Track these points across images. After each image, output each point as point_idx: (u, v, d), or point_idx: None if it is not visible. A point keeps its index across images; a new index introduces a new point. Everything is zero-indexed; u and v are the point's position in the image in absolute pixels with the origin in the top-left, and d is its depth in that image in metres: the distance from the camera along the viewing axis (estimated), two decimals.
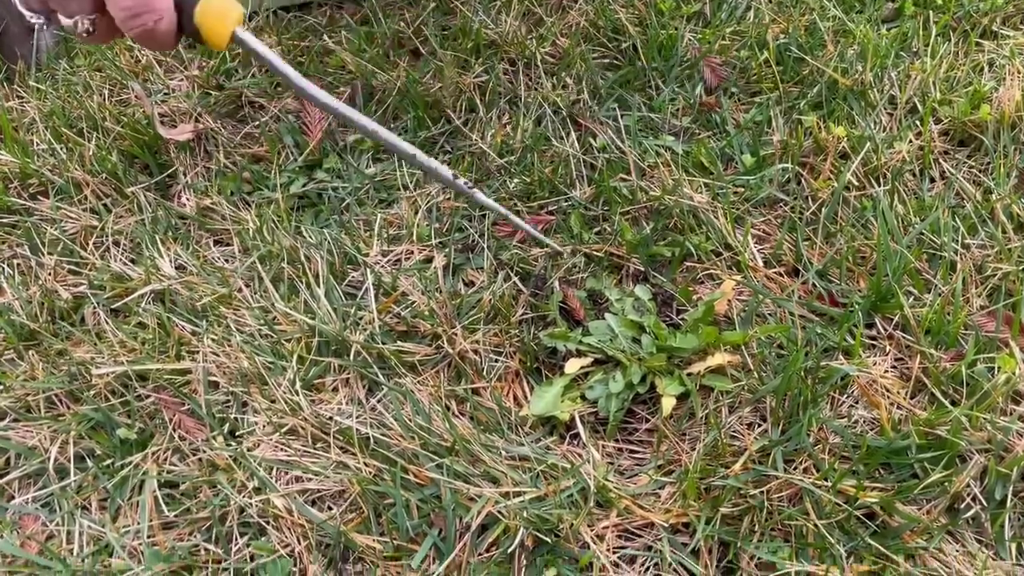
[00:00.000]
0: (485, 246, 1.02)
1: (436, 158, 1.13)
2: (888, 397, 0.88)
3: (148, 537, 0.79)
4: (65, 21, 0.68)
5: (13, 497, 0.83)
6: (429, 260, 1.01)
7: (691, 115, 1.19)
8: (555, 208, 1.07)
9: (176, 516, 0.80)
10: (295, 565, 0.78)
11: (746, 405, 0.88)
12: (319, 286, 0.94)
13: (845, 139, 1.12)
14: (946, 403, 0.87)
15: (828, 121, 1.15)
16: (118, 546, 0.78)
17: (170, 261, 0.99)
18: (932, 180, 1.11)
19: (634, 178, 1.08)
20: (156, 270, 0.97)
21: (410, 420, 0.85)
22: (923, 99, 1.18)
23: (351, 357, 0.90)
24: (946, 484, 0.80)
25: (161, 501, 0.81)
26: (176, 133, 1.12)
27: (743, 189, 1.07)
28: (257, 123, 1.16)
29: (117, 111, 1.15)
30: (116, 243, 1.02)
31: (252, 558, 0.78)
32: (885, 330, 0.94)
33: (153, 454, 0.84)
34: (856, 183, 1.07)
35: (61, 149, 1.11)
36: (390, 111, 1.16)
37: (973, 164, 1.11)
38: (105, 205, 1.06)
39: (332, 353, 0.90)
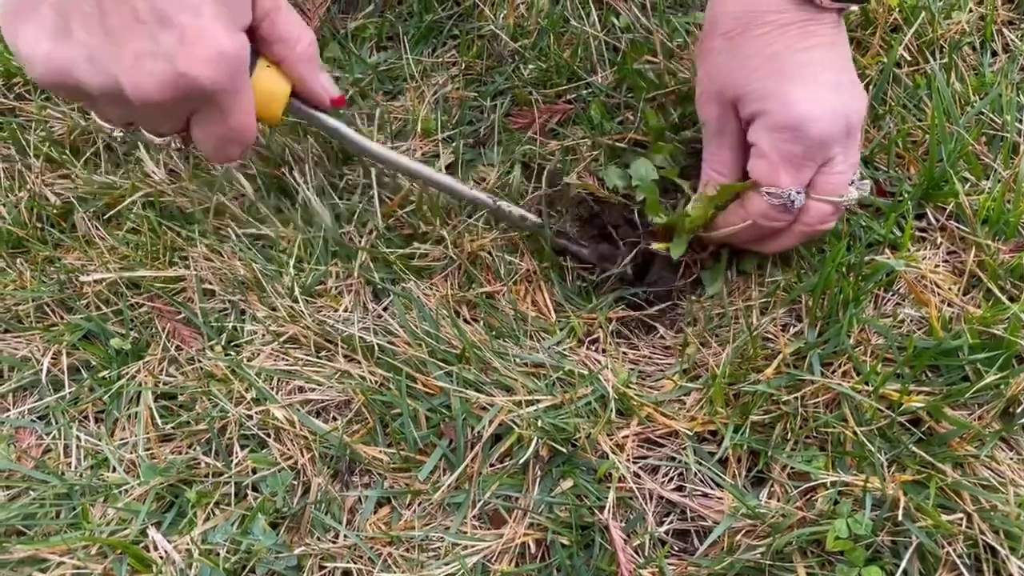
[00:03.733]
0: (496, 140, 0.94)
1: (444, 45, 1.04)
2: (938, 294, 0.80)
3: (145, 450, 0.76)
4: (154, 139, 0.69)
5: (8, 410, 0.80)
6: (436, 156, 0.93)
7: None
8: (574, 96, 0.98)
9: (173, 428, 0.77)
10: (299, 478, 0.74)
11: (781, 305, 0.81)
12: (309, 188, 0.87)
13: (897, 9, 1.00)
14: (1004, 299, 0.79)
15: None
16: (115, 459, 0.75)
17: (162, 165, 0.93)
18: (994, 53, 0.99)
19: (661, 60, 0.98)
20: (146, 176, 0.91)
21: (416, 327, 0.80)
22: None
23: (354, 263, 0.84)
24: (1001, 387, 0.73)
25: (157, 413, 0.77)
26: None
27: None
28: None
29: None
30: (108, 148, 0.96)
31: (253, 471, 0.74)
32: (937, 221, 0.86)
33: (148, 365, 0.80)
34: (908, 58, 0.96)
35: None
36: None
37: None
38: None
39: (333, 257, 0.85)
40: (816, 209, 0.76)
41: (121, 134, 0.77)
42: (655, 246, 0.83)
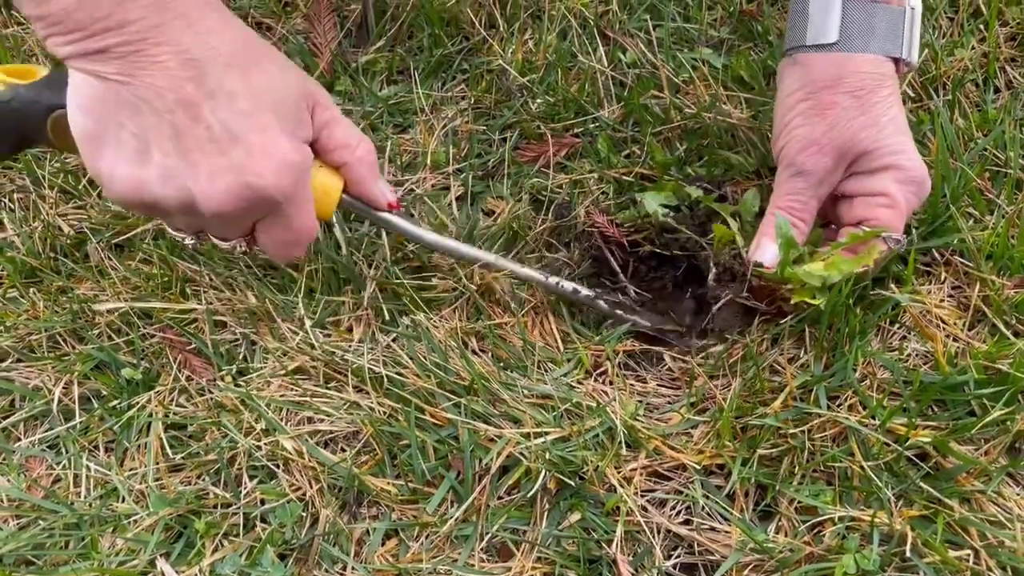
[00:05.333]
0: (505, 173, 0.95)
1: (453, 79, 1.06)
2: (944, 328, 0.81)
3: (155, 480, 0.76)
4: (221, 244, 0.74)
5: (19, 439, 0.81)
6: (446, 188, 0.95)
7: (730, 25, 1.10)
8: (581, 130, 1.00)
9: (183, 459, 0.77)
10: (307, 509, 0.74)
11: (788, 337, 0.81)
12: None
13: None
14: (1008, 334, 0.80)
15: None
16: (124, 490, 0.75)
17: None
18: (997, 90, 1.01)
19: (667, 95, 0.99)
20: None
21: (426, 358, 0.80)
22: (987, 0, 1.07)
23: (363, 293, 0.85)
24: (1007, 422, 0.73)
25: (167, 444, 0.78)
26: None
27: None
28: None
29: None
30: None
31: (262, 502, 0.74)
32: (941, 256, 0.87)
33: (159, 395, 0.81)
34: (912, 95, 0.98)
35: None
36: (404, 28, 1.09)
37: None
38: None
39: (343, 287, 0.85)
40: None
41: (192, 241, 0.82)
42: (795, 299, 0.79)
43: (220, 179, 0.64)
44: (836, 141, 0.80)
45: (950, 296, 0.84)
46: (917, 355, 0.80)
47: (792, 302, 0.79)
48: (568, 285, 0.85)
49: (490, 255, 0.84)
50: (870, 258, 0.78)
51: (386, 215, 0.78)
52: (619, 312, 0.86)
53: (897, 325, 0.82)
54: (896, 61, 0.81)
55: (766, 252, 0.81)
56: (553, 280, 0.85)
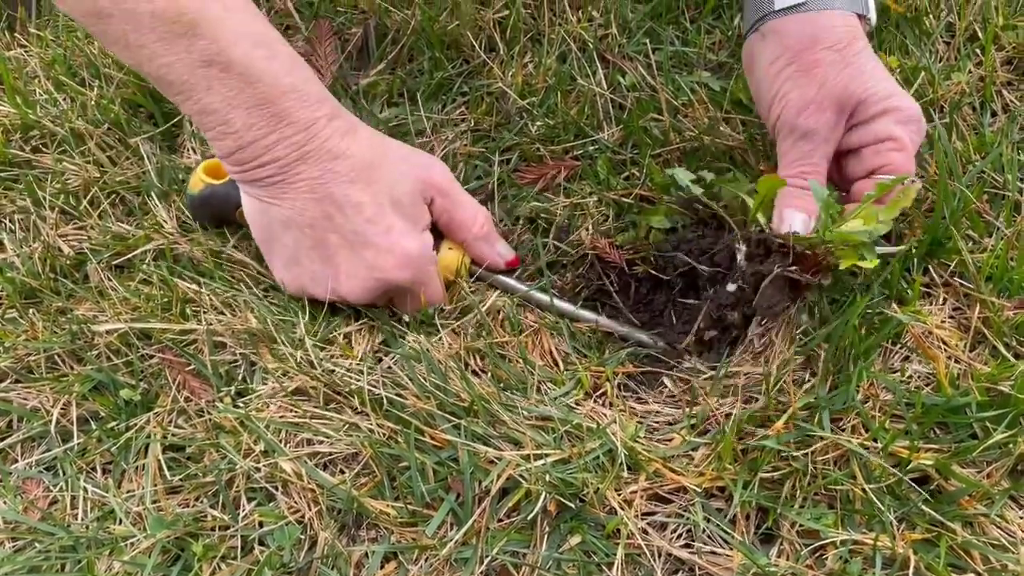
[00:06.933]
0: (504, 195, 0.95)
1: (454, 101, 1.07)
2: (945, 350, 0.81)
3: (152, 502, 0.76)
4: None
5: (16, 461, 0.80)
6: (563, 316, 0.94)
7: (728, 49, 1.11)
8: (581, 153, 1.00)
9: (181, 480, 0.77)
10: (305, 532, 0.74)
11: (798, 357, 0.81)
12: None
13: (898, 70, 1.02)
14: (1009, 356, 0.79)
15: (879, 51, 1.05)
16: (121, 512, 0.75)
17: (175, 217, 0.94)
18: (994, 114, 1.01)
19: (666, 117, 1.00)
20: (159, 227, 0.92)
21: (425, 379, 0.80)
22: (984, 24, 1.08)
23: (362, 313, 0.85)
24: (1010, 445, 0.73)
25: (165, 465, 0.77)
26: None
27: None
28: None
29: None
30: (122, 200, 0.98)
31: (260, 524, 0.74)
32: (941, 277, 0.87)
33: (157, 416, 0.80)
34: None
35: (63, 99, 1.07)
36: (405, 52, 1.09)
37: None
38: (110, 158, 1.01)
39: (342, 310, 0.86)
40: None
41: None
42: (844, 264, 0.76)
43: (356, 277, 0.81)
44: (831, 95, 0.81)
45: (951, 317, 0.84)
46: (919, 376, 0.80)
47: (841, 268, 0.77)
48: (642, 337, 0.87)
49: (610, 321, 0.88)
50: (907, 200, 0.76)
51: (507, 281, 0.89)
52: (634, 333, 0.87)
53: (899, 346, 0.82)
54: (860, 17, 0.83)
55: (795, 220, 0.80)
56: (640, 336, 0.87)
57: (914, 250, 0.85)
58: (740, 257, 0.80)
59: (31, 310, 0.88)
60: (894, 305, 0.83)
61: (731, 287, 0.79)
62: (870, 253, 0.76)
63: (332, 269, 0.81)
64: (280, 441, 0.77)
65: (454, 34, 1.09)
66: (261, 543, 0.73)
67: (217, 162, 0.85)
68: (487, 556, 0.71)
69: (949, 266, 0.86)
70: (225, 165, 0.79)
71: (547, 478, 0.73)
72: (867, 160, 0.83)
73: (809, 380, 0.80)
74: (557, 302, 0.88)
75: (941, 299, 0.85)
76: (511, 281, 0.89)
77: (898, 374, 0.80)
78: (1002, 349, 0.80)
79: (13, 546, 0.74)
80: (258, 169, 0.77)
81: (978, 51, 1.06)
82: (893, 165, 0.81)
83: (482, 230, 0.86)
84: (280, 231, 0.81)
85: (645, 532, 0.72)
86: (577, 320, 0.88)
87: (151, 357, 0.84)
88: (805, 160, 0.82)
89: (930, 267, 0.87)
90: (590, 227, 0.93)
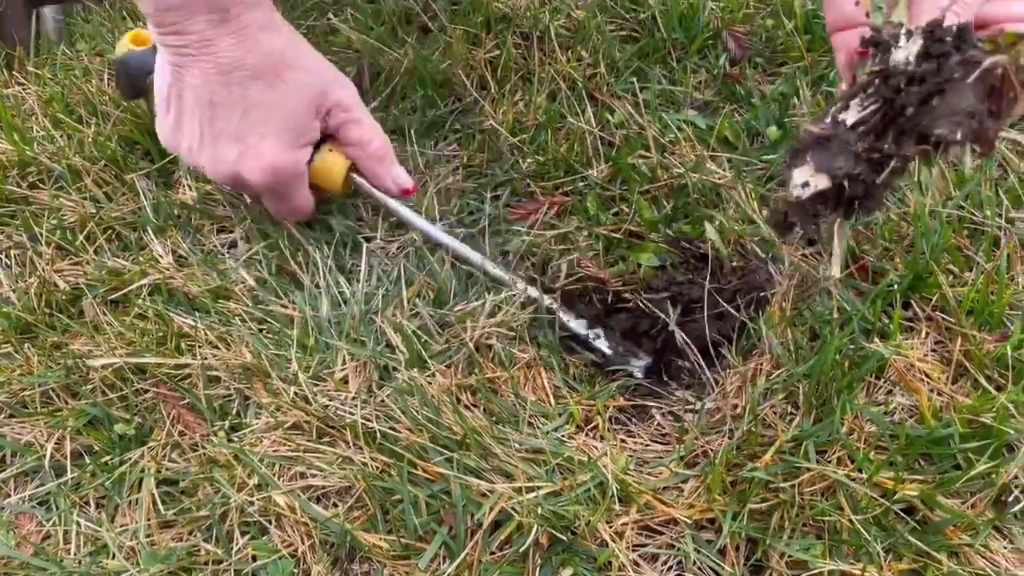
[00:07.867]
0: (496, 230, 0.97)
1: (446, 139, 1.09)
2: (928, 382, 0.82)
3: (146, 537, 0.76)
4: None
5: (9, 496, 0.80)
6: (439, 246, 0.96)
7: (714, 88, 1.13)
8: (571, 189, 1.02)
9: (175, 515, 0.77)
10: (299, 566, 0.74)
11: (779, 392, 0.82)
12: (320, 275, 0.89)
13: None
14: (991, 388, 0.81)
15: None
16: (115, 546, 0.75)
17: (170, 252, 0.95)
18: (973, 150, 1.04)
19: (654, 155, 1.02)
20: (155, 262, 0.93)
21: (418, 412, 0.81)
22: None
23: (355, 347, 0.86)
24: (992, 476, 0.74)
25: (159, 499, 0.78)
26: None
27: (769, 165, 1.02)
28: None
29: (117, 94, 1.11)
30: (118, 235, 0.99)
31: (254, 558, 0.74)
32: (923, 311, 0.89)
33: (151, 450, 0.81)
34: None
35: (60, 136, 1.08)
36: (398, 90, 1.12)
37: (1016, 134, 1.04)
38: (106, 193, 1.02)
39: (338, 340, 0.86)
40: None
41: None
42: None
43: (219, 162, 0.85)
44: None
45: (933, 351, 0.86)
46: (903, 409, 0.82)
47: None
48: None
49: (476, 255, 0.91)
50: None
51: (393, 204, 0.91)
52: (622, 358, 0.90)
53: (882, 380, 0.84)
54: None
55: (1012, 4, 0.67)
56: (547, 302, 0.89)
57: (896, 285, 0.87)
58: (904, 53, 0.55)
59: (26, 345, 0.88)
60: (876, 340, 0.85)
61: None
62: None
63: (206, 148, 0.85)
64: (274, 475, 0.78)
65: (446, 73, 1.12)
66: None
67: (141, 33, 0.93)
68: None
69: (931, 300, 0.88)
70: (148, 23, 0.82)
71: (539, 511, 0.73)
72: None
73: (791, 413, 0.81)
74: (434, 230, 0.92)
75: (924, 333, 0.87)
76: (393, 203, 0.92)
77: (882, 407, 0.81)
78: (983, 381, 0.82)
79: None
80: (174, 36, 0.79)
81: None
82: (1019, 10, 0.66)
83: (378, 150, 0.90)
84: (174, 96, 0.84)
85: (636, 564, 0.73)
86: (459, 260, 0.92)
87: (146, 391, 0.85)
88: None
89: (912, 301, 0.89)
90: (578, 256, 0.94)
